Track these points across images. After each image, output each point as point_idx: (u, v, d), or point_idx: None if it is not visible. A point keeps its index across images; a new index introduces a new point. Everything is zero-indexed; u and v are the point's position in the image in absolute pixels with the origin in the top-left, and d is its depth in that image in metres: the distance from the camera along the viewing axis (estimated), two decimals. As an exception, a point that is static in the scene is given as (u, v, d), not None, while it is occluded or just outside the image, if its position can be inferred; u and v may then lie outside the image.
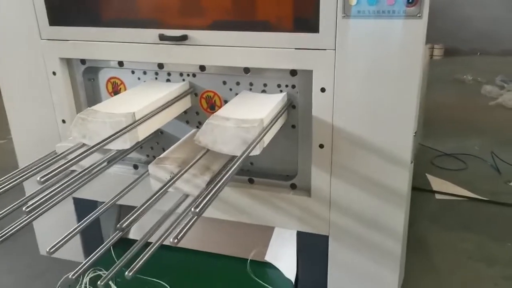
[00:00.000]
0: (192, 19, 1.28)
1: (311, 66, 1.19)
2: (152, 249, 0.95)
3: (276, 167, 1.40)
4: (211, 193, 0.94)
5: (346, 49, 1.14)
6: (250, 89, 1.35)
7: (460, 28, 5.30)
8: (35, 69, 1.46)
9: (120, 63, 1.43)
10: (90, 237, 1.68)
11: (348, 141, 1.22)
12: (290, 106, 1.31)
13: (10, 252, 1.93)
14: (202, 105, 1.42)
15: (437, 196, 2.32)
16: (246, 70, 1.31)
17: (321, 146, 1.25)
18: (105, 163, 1.24)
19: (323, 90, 1.20)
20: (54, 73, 1.45)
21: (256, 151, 1.10)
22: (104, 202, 1.15)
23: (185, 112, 1.44)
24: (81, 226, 1.09)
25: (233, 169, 1.03)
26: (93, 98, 1.52)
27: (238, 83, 1.35)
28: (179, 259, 1.63)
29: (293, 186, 1.37)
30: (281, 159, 1.39)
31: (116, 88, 1.49)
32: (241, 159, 1.04)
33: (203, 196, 0.93)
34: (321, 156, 1.26)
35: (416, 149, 2.01)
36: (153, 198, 1.00)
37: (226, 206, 1.42)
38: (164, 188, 1.06)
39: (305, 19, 1.18)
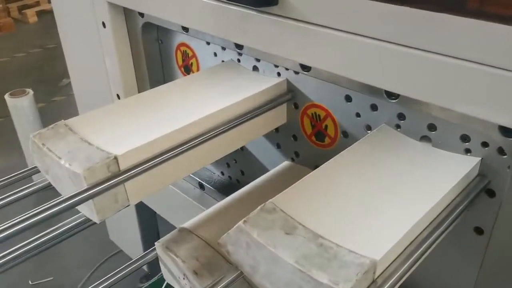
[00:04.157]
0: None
1: None
2: None
3: None
4: None
5: None
6: (397, 127, 0.62)
7: None
8: (85, 16, 0.98)
9: (185, 28, 0.83)
10: (148, 234, 1.29)
11: None
12: (483, 190, 0.55)
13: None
14: (303, 125, 0.75)
15: None
16: (391, 93, 0.58)
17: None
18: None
19: None
20: (103, 25, 0.94)
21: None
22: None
23: (276, 130, 0.80)
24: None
25: None
26: (157, 69, 0.98)
27: (374, 108, 0.64)
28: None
29: None
30: (437, 279, 0.66)
31: (187, 61, 0.92)
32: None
33: None
34: None
35: None
36: None
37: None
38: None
39: None
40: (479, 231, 0.58)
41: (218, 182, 0.98)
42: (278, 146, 0.81)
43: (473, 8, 0.45)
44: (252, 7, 0.61)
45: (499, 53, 0.43)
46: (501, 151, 0.52)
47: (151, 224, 1.27)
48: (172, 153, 0.59)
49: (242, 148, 0.89)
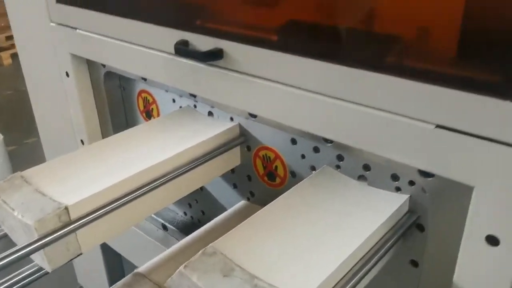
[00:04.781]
0: (239, 18, 0.64)
1: (471, 178, 0.46)
2: None
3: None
4: None
5: None
6: (338, 167, 0.67)
7: None
8: (49, 65, 1.02)
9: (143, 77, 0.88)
10: (114, 276, 1.28)
11: None
12: (413, 225, 0.60)
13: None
14: (256, 166, 0.79)
15: None
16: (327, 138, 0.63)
17: None
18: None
19: (494, 241, 0.46)
20: (67, 74, 0.98)
21: None
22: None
23: (232, 171, 0.84)
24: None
25: None
26: (120, 114, 1.02)
27: (317, 150, 0.68)
28: None
29: None
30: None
31: (148, 107, 0.96)
32: None
33: None
34: None
35: None
36: None
37: None
38: None
39: (479, 55, 0.44)
40: (414, 263, 0.62)
41: (181, 223, 1.01)
42: (235, 186, 0.85)
43: (387, 65, 0.51)
44: (195, 60, 0.66)
45: (412, 105, 0.48)
46: (423, 190, 0.57)
47: (116, 266, 1.27)
48: (125, 200, 0.62)
49: (202, 189, 0.92)
